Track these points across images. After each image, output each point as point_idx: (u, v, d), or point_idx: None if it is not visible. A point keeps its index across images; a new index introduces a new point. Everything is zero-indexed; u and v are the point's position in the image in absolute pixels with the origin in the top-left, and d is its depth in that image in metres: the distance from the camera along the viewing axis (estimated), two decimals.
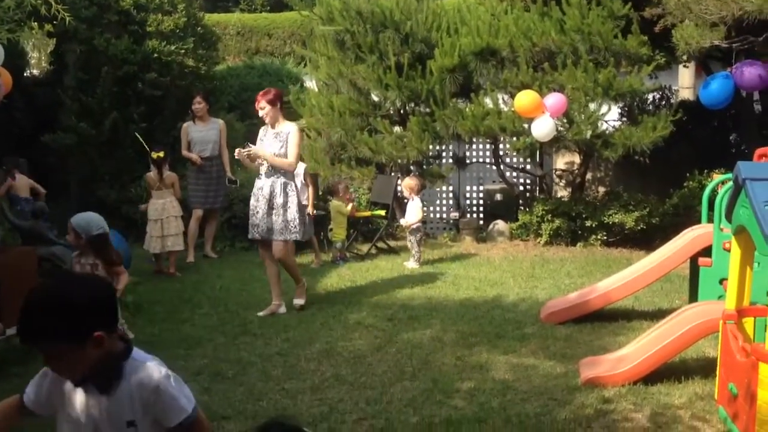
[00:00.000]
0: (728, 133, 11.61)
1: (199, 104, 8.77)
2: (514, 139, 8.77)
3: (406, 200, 8.81)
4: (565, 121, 8.91)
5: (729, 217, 4.29)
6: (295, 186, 6.50)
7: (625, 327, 6.07)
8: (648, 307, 6.73)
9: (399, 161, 9.25)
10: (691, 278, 6.42)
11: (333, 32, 9.17)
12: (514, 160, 10.54)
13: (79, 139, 9.89)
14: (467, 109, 8.80)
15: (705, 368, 4.92)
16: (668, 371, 4.89)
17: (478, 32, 8.69)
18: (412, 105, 9.30)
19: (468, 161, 11.02)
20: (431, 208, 11.54)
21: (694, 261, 6.18)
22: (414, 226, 8.45)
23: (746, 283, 4.33)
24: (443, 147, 10.74)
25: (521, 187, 11.18)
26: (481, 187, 11.64)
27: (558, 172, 10.97)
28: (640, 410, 4.42)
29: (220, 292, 7.29)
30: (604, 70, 8.34)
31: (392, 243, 9.51)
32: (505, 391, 4.71)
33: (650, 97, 11.44)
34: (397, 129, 9.46)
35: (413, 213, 8.51)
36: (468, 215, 11.47)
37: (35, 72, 12.97)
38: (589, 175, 12.28)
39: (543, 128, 8.21)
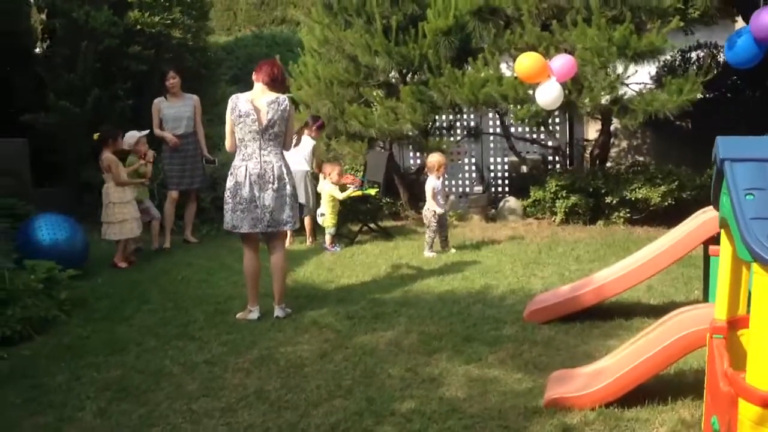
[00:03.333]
0: None
1: (173, 79, 8.10)
2: (514, 107, 7.79)
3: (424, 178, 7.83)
4: (585, 84, 7.91)
5: (716, 205, 3.38)
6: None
7: (622, 327, 5.18)
8: (659, 299, 5.81)
9: (392, 135, 8.39)
10: (704, 268, 5.46)
11: None
12: (527, 129, 9.57)
13: (62, 118, 9.35)
14: (464, 76, 7.86)
15: (701, 385, 4.01)
16: (655, 388, 4.01)
17: None
18: (405, 72, 8.42)
19: (491, 131, 10.14)
20: (452, 182, 10.72)
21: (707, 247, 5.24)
22: (433, 212, 7.51)
23: (741, 286, 3.42)
24: (457, 117, 9.86)
25: (550, 158, 10.22)
26: (506, 159, 10.75)
27: (582, 143, 9.96)
28: None
29: (179, 284, 6.63)
30: (620, 26, 7.29)
31: (389, 224, 8.71)
32: (450, 414, 3.90)
33: (693, 56, 10.35)
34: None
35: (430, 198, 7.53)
36: (492, 188, 10.61)
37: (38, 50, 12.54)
38: (624, 144, 11.26)
39: (548, 95, 7.21)
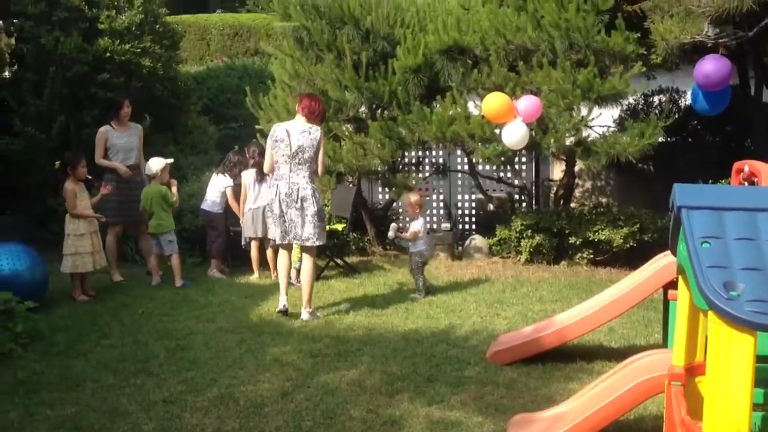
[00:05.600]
0: (744, 138, 10.63)
1: (128, 108, 7.96)
2: (481, 145, 7.85)
3: (407, 219, 7.61)
4: (550, 126, 8.01)
5: (673, 251, 3.42)
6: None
7: (583, 370, 5.20)
8: (620, 342, 5.84)
9: (360, 170, 8.42)
10: (664, 312, 5.52)
11: (291, 29, 8.38)
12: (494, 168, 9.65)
13: (27, 144, 9.25)
14: (432, 114, 7.93)
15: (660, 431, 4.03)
16: None
17: (444, 28, 7.83)
18: (374, 108, 8.49)
19: (459, 168, 10.23)
20: None
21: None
22: (417, 251, 7.31)
23: (699, 333, 3.46)
24: (425, 154, 9.92)
25: (516, 197, 10.31)
26: (473, 197, 10.83)
27: (547, 183, 10.07)
28: None
29: (139, 318, 6.53)
30: (584, 70, 7.43)
31: (355, 260, 8.69)
32: None
33: (656, 100, 10.56)
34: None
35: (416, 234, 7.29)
36: (459, 226, 10.67)
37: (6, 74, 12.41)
38: (588, 184, 11.40)
39: (514, 135, 7.30)
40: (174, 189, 7.77)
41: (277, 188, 6.30)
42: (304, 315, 6.34)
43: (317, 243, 6.42)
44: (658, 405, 4.39)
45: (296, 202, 6.25)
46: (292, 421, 4.34)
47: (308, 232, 6.30)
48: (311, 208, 6.28)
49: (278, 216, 6.30)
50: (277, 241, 6.47)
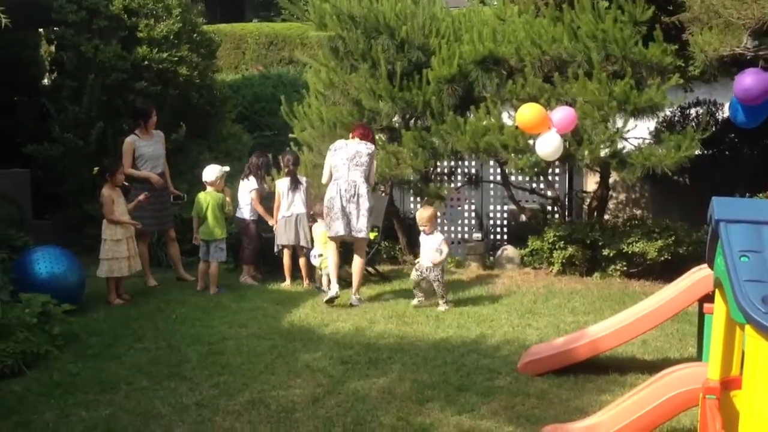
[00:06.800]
0: None
1: (155, 116, 8.05)
2: (514, 156, 7.82)
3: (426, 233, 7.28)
4: (584, 137, 7.96)
5: (710, 264, 3.39)
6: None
7: (616, 382, 5.15)
8: (653, 355, 5.78)
9: (392, 179, 8.46)
10: (699, 325, 5.45)
11: (326, 39, 8.45)
12: (526, 179, 9.61)
13: (65, 150, 9.42)
14: (466, 124, 7.93)
15: None
16: None
17: (480, 38, 7.83)
18: (408, 118, 8.51)
19: (491, 178, 10.21)
20: (452, 228, 10.75)
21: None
22: (434, 265, 7.14)
23: (735, 347, 3.42)
24: (458, 164, 9.90)
25: (549, 208, 10.25)
26: (505, 207, 10.79)
27: (580, 194, 9.99)
28: None
29: (173, 322, 6.60)
30: (621, 81, 7.38)
31: (386, 268, 8.71)
32: None
33: (692, 112, 10.45)
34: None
35: (431, 252, 7.11)
36: (491, 236, 10.63)
37: (46, 81, 12.66)
38: (622, 196, 11.30)
39: (548, 146, 7.29)
40: (229, 198, 7.87)
41: (337, 185, 7.10)
42: (353, 300, 7.16)
43: (364, 235, 7.18)
44: (692, 419, 4.34)
45: (354, 197, 7.07)
46: (323, 427, 4.37)
47: (361, 224, 7.11)
48: (365, 204, 7.11)
49: (340, 209, 7.06)
50: (341, 233, 7.10)
